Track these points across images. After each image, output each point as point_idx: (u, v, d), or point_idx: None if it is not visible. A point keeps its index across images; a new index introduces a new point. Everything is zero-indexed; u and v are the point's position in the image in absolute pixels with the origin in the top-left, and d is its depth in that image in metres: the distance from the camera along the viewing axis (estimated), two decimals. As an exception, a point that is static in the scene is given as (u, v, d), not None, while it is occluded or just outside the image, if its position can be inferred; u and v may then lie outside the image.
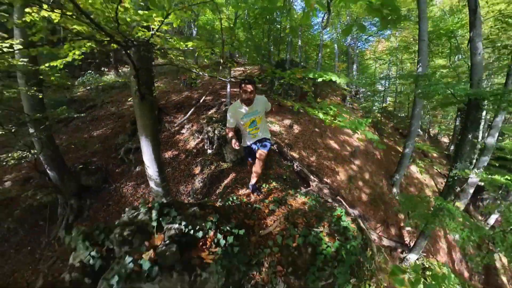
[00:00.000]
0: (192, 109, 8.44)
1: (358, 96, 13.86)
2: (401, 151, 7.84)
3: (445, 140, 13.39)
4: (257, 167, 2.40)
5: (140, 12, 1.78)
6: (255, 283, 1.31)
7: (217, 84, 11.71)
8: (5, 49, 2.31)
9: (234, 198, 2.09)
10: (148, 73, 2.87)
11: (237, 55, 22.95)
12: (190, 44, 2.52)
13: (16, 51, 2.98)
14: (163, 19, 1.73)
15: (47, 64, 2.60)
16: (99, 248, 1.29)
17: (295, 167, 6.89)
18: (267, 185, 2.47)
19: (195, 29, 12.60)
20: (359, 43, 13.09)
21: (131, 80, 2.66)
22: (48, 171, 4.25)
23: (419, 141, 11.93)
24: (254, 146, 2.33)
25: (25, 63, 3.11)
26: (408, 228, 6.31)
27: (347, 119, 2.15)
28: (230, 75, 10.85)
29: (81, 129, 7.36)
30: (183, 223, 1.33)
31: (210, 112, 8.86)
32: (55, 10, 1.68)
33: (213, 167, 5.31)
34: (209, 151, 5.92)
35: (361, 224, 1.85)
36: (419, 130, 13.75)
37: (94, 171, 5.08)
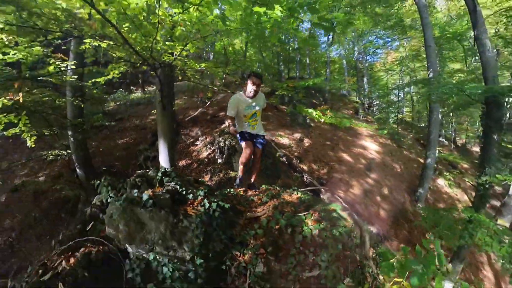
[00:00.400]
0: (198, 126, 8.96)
1: (372, 108, 13.53)
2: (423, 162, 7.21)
3: (476, 149, 12.01)
4: (256, 164, 2.51)
5: (167, 43, 2.52)
6: (237, 264, 1.35)
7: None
8: (62, 68, 2.83)
9: (231, 190, 2.17)
10: (170, 88, 3.56)
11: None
12: (203, 65, 3.19)
13: (69, 70, 3.59)
14: (183, 47, 2.48)
15: (91, 81, 3.24)
16: (116, 192, 1.71)
17: (305, 179, 6.66)
18: (265, 186, 2.45)
19: (212, 53, 14.12)
20: (367, 57, 13.24)
21: (156, 93, 3.33)
22: (77, 170, 4.84)
23: (445, 151, 10.89)
24: (256, 136, 2.40)
25: (74, 79, 3.84)
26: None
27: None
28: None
29: (109, 137, 8.23)
30: (179, 183, 1.68)
31: (223, 126, 9.33)
32: (104, 41, 2.26)
33: (222, 174, 5.52)
34: (219, 161, 6.13)
35: (357, 218, 1.69)
36: (443, 139, 12.58)
37: (114, 173, 5.54)
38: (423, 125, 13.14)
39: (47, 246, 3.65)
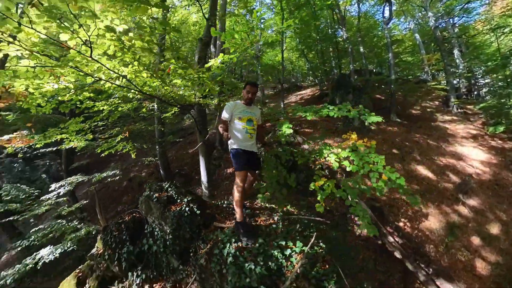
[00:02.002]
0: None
1: (473, 93, 9.19)
2: None
3: None
4: (248, 191, 2.26)
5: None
6: (197, 256, 1.91)
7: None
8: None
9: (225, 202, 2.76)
10: (203, 119, 4.69)
11: (299, 79, 23.20)
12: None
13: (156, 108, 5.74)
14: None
15: (168, 113, 5.00)
16: (149, 190, 2.66)
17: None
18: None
19: (259, 67, 14.46)
20: (454, 20, 8.91)
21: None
22: (161, 171, 6.93)
23: None
24: (250, 156, 2.10)
25: (158, 113, 5.89)
26: None
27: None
28: (283, 101, 10.92)
29: (182, 147, 10.22)
30: (174, 191, 2.50)
31: (266, 137, 9.37)
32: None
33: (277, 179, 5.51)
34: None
35: None
36: None
37: (183, 175, 7.65)
38: None
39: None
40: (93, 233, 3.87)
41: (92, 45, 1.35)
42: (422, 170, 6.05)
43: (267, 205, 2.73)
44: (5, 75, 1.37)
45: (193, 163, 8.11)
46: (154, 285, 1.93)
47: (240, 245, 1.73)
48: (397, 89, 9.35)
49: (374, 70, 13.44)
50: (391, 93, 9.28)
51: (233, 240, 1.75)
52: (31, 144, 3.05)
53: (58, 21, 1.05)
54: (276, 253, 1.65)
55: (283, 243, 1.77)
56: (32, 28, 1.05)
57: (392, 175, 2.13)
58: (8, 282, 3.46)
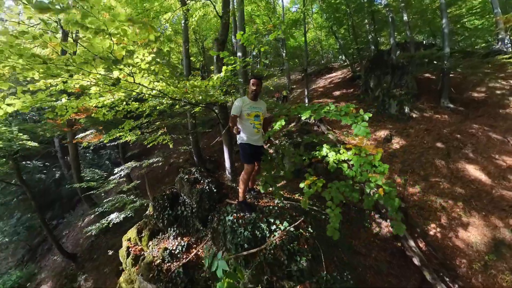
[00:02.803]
0: None
1: None
2: None
3: None
4: (254, 177, 2.75)
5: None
6: (212, 221, 2.72)
7: (302, 99, 11.98)
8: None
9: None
10: (224, 113, 5.48)
11: (330, 59, 21.51)
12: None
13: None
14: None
15: (197, 109, 5.96)
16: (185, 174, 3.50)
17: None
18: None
19: (284, 51, 14.31)
20: None
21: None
22: (194, 157, 8.25)
23: None
24: (256, 149, 2.41)
25: (190, 107, 6.80)
26: None
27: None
28: (308, 88, 10.67)
29: (212, 136, 11.53)
30: (199, 174, 3.43)
31: (290, 126, 9.34)
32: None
33: (272, 172, 6.09)
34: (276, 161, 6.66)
35: None
36: None
37: (213, 161, 8.97)
38: None
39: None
40: (144, 205, 5.27)
41: (133, 74, 2.10)
42: (473, 171, 5.26)
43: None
44: (85, 100, 2.30)
45: (221, 151, 9.10)
46: (184, 238, 2.79)
47: (238, 216, 2.35)
48: (453, 66, 7.77)
49: (425, 42, 11.36)
50: (443, 71, 7.81)
51: (234, 212, 2.38)
52: (100, 140, 4.46)
53: (113, 65, 1.79)
54: (264, 226, 2.20)
55: (272, 220, 2.30)
56: (96, 71, 1.84)
57: (391, 189, 1.92)
58: (93, 233, 5.21)
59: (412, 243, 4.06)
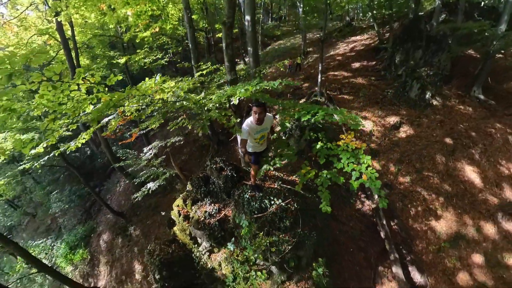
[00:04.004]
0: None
1: None
2: None
3: None
4: (256, 172, 3.99)
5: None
6: (234, 195, 4.39)
7: (316, 68, 11.98)
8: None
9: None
10: (239, 108, 6.20)
11: (358, 15, 19.28)
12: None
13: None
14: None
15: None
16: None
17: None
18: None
19: (301, 4, 13.67)
20: None
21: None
22: (208, 131, 10.77)
23: None
24: (258, 154, 3.40)
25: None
26: None
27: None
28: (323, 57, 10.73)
29: None
30: (222, 163, 4.79)
31: (300, 102, 9.91)
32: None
33: (278, 151, 7.60)
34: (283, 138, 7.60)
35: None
36: None
37: (225, 133, 10.59)
38: None
39: (197, 162, 10.04)
40: (173, 175, 7.41)
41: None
42: (470, 173, 6.07)
43: (275, 173, 4.87)
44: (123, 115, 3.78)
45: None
46: (215, 204, 4.63)
47: (252, 194, 4.01)
48: (504, 46, 6.97)
49: (483, 3, 9.81)
50: (487, 54, 7.27)
51: (249, 191, 4.08)
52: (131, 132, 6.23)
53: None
54: (266, 201, 3.87)
55: (272, 198, 3.94)
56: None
57: (372, 174, 2.77)
58: (139, 199, 7.54)
59: (384, 221, 5.66)
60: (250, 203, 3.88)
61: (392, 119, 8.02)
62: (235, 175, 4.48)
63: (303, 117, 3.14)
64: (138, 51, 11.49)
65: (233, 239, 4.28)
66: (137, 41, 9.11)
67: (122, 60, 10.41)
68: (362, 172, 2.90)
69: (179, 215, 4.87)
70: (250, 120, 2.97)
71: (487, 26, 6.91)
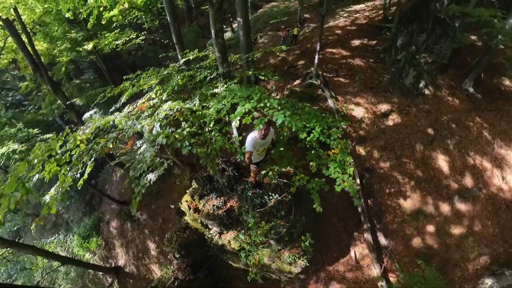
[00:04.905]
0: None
1: None
2: None
3: None
4: (257, 173, 4.79)
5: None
6: (236, 190, 5.54)
7: (313, 42, 11.39)
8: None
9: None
10: None
11: None
12: None
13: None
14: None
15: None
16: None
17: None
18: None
19: None
20: None
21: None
22: None
23: None
24: (261, 160, 4.11)
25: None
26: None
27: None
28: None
29: None
30: (224, 165, 5.66)
31: (295, 83, 9.68)
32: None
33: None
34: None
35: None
36: None
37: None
38: None
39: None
40: (171, 164, 8.33)
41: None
42: (441, 161, 6.97)
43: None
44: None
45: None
46: (221, 198, 5.51)
47: (253, 191, 4.96)
48: (506, 41, 6.90)
49: None
50: (488, 48, 7.20)
51: (251, 188, 5.01)
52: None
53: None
54: (266, 197, 4.86)
55: (270, 193, 4.93)
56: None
57: (351, 183, 3.38)
58: (143, 191, 8.52)
59: (362, 199, 6.86)
60: (253, 200, 4.86)
61: (383, 107, 8.37)
62: (236, 174, 5.27)
63: (300, 134, 3.52)
64: (105, 34, 9.79)
65: (243, 231, 5.28)
66: (103, 22, 7.51)
67: (89, 46, 9.18)
68: (344, 180, 3.46)
69: (189, 208, 5.81)
70: (254, 135, 3.22)
71: (499, 16, 6.45)
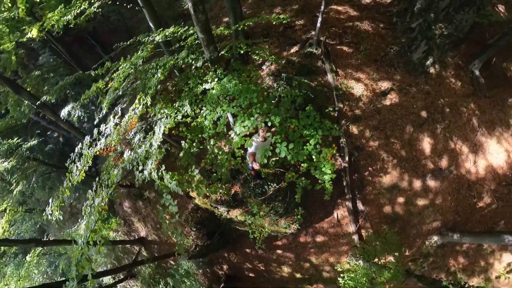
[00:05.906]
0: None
1: None
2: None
3: None
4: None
5: None
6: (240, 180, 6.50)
7: None
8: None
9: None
10: None
11: None
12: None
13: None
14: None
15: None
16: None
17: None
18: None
19: None
20: None
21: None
22: None
23: None
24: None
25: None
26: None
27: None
28: None
29: None
30: None
31: (292, 50, 8.73)
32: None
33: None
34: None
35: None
36: None
37: None
38: None
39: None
40: (168, 148, 8.91)
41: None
42: (425, 144, 7.50)
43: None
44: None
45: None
46: (224, 185, 6.60)
47: (254, 182, 5.90)
48: None
49: None
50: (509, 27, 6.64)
51: (253, 180, 5.97)
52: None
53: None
54: (266, 187, 5.90)
55: (269, 183, 5.93)
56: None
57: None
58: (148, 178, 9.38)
59: (348, 175, 7.91)
60: (255, 190, 5.86)
61: (384, 85, 8.05)
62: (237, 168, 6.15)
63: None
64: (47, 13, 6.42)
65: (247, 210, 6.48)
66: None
67: (32, 33, 6.18)
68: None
69: (198, 195, 6.93)
70: (256, 138, 3.73)
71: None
